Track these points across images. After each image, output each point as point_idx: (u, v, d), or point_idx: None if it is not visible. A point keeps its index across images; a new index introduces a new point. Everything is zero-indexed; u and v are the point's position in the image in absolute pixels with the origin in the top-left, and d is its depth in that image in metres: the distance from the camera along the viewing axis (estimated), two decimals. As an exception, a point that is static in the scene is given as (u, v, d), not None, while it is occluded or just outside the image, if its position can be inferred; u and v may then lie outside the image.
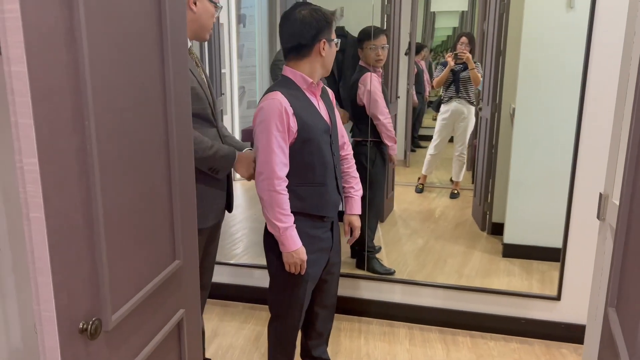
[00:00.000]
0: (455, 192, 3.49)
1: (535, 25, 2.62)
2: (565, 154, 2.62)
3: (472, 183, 3.37)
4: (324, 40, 1.92)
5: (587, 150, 2.52)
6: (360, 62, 2.95)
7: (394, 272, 3.05)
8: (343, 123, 2.32)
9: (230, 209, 2.18)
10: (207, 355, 2.65)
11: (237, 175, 3.72)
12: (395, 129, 3.29)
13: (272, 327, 2.16)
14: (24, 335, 1.34)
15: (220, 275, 3.19)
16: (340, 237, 2.21)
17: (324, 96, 2.08)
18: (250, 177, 2.05)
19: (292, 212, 1.92)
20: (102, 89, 1.02)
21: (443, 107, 3.40)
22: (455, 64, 3.26)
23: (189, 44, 1.97)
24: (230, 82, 3.57)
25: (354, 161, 2.22)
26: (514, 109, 2.79)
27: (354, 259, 3.15)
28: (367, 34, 2.89)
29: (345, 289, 3.01)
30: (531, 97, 2.69)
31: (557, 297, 2.72)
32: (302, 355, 2.33)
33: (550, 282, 2.81)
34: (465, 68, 3.25)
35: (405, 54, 3.27)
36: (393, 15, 3.06)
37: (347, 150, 2.19)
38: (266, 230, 2.02)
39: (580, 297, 2.70)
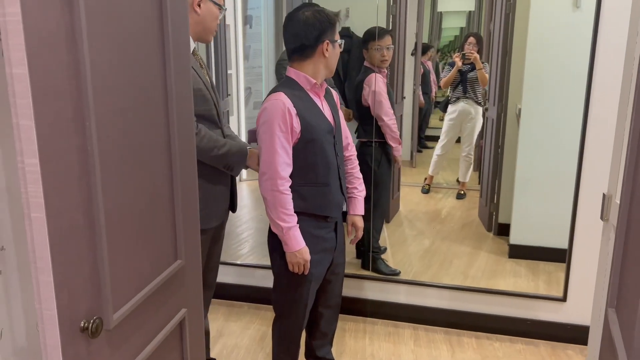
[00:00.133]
0: (462, 192, 3.48)
1: (541, 25, 2.61)
2: (571, 155, 2.60)
3: (479, 184, 3.36)
4: (327, 41, 1.92)
5: (593, 150, 2.50)
6: (365, 63, 2.95)
7: (400, 272, 3.05)
8: (347, 121, 2.32)
9: (234, 209, 2.20)
10: (212, 355, 2.66)
11: (244, 176, 3.75)
12: (401, 129, 3.29)
13: (276, 326, 2.17)
14: (28, 333, 1.36)
15: (226, 276, 3.20)
16: (344, 237, 2.21)
17: (328, 97, 2.08)
18: None
19: (295, 212, 1.93)
20: (103, 89, 1.03)
21: (450, 108, 3.39)
22: (463, 64, 3.25)
23: (193, 45, 1.99)
24: (236, 83, 3.58)
25: (357, 162, 2.22)
26: (519, 110, 2.78)
27: (359, 260, 3.15)
28: (371, 35, 2.89)
29: (351, 289, 3.02)
30: (537, 97, 2.68)
31: (563, 298, 2.71)
32: (306, 355, 2.33)
33: (557, 283, 2.79)
34: (473, 68, 3.24)
35: (412, 54, 3.27)
36: (398, 15, 3.06)
37: (351, 152, 2.19)
38: (270, 230, 2.02)
39: (586, 298, 2.68)
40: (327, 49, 1.93)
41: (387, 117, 2.92)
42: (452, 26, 3.32)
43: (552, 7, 2.57)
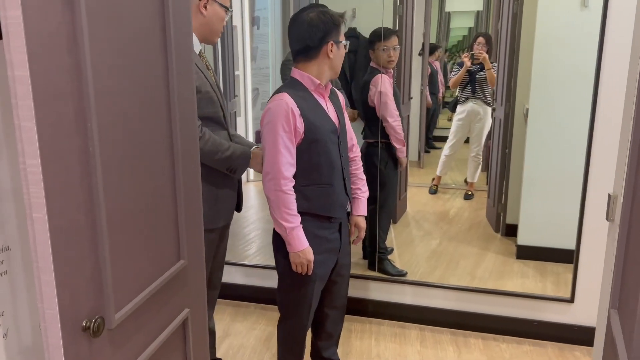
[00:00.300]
0: (470, 193, 3.47)
1: (548, 24, 2.59)
2: (578, 155, 2.59)
3: (486, 184, 3.35)
4: (332, 42, 1.93)
5: (600, 151, 2.48)
6: (372, 63, 2.95)
7: (406, 273, 3.04)
8: (352, 121, 2.31)
9: (239, 209, 2.21)
10: (218, 355, 2.67)
11: (251, 177, 3.76)
12: (408, 130, 3.28)
13: (281, 326, 2.18)
14: (34, 333, 1.37)
15: (232, 276, 3.22)
16: (349, 238, 2.21)
17: (333, 98, 2.09)
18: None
19: (298, 212, 1.93)
20: (105, 91, 1.04)
21: (459, 108, 3.38)
22: (472, 64, 3.23)
23: (200, 46, 2.00)
24: (243, 84, 3.59)
25: (361, 163, 2.22)
26: (527, 109, 2.77)
27: (365, 260, 3.15)
28: (377, 35, 2.89)
29: (357, 290, 3.01)
30: (544, 97, 2.66)
31: (571, 300, 2.69)
32: (312, 356, 2.33)
33: (565, 285, 2.77)
34: (482, 68, 3.22)
35: (419, 54, 3.26)
36: (405, 15, 3.06)
37: (356, 152, 2.19)
38: (274, 231, 2.03)
39: (594, 299, 2.66)
40: (331, 50, 1.93)
41: (392, 118, 2.92)
42: (460, 26, 3.31)
43: (559, 7, 2.55)
